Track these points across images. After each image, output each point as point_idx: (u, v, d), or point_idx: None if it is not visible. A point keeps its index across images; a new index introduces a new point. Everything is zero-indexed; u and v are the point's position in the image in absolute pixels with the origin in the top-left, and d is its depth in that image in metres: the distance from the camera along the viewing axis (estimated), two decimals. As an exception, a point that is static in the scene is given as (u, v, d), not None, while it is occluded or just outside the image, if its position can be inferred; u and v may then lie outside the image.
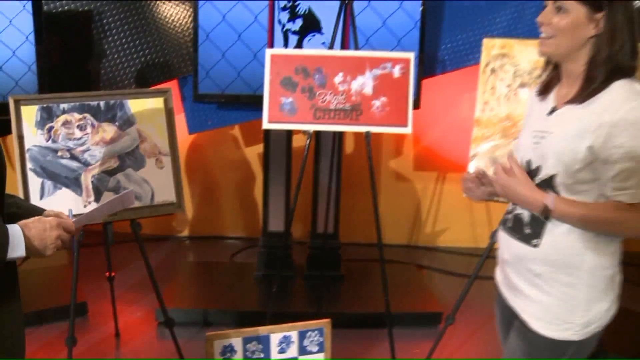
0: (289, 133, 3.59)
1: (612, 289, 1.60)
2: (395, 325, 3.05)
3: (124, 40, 3.52)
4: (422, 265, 4.12)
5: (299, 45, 3.35)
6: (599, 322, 1.59)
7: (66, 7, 3.47)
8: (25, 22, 3.12)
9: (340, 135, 3.37)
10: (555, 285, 1.59)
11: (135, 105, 2.46)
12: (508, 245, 1.67)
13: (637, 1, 2.49)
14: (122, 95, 2.46)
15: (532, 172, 1.60)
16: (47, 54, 3.22)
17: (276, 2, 3.31)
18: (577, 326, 1.58)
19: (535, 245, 1.58)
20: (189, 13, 3.54)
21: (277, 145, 3.58)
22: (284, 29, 3.36)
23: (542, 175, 1.56)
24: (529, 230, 1.59)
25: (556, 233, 1.56)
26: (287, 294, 3.46)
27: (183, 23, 3.58)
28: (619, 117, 1.43)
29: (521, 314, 1.64)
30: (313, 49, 3.26)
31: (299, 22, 3.36)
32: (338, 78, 2.48)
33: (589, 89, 1.50)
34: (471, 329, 3.14)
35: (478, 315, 3.12)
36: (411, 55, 2.50)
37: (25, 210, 1.52)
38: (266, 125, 2.53)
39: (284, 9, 3.33)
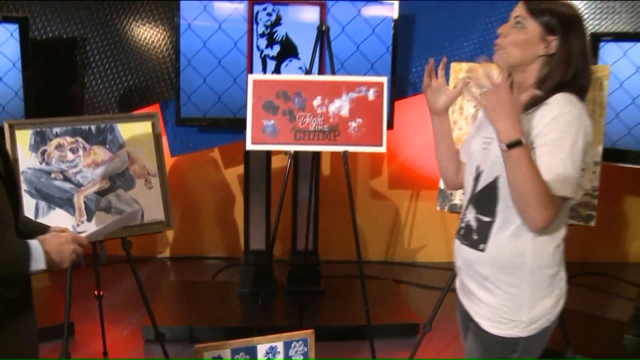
0: (269, 154, 3.76)
1: (556, 287, 1.72)
2: (376, 337, 3.22)
3: (107, 66, 3.67)
4: (400, 280, 4.30)
5: (277, 70, 3.54)
6: (545, 318, 1.70)
7: (50, 35, 3.62)
8: (12, 48, 3.26)
9: (318, 156, 3.55)
10: (501, 286, 1.71)
11: (125, 129, 2.61)
12: (460, 252, 1.80)
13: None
14: (112, 119, 2.61)
15: (479, 176, 1.74)
16: (33, 80, 3.36)
17: (255, 28, 3.51)
18: (523, 323, 1.69)
19: (482, 250, 1.71)
20: (170, 40, 3.71)
21: (257, 166, 3.75)
22: (262, 55, 3.55)
23: (488, 178, 1.70)
24: (476, 236, 1.72)
25: (500, 238, 1.69)
26: (270, 309, 3.59)
27: (164, 49, 3.75)
28: (549, 118, 1.60)
29: (474, 317, 1.77)
30: (291, 74, 3.46)
31: (276, 48, 3.55)
32: (316, 101, 2.67)
33: (533, 100, 1.64)
34: (448, 338, 3.32)
35: (454, 325, 3.29)
36: (384, 79, 2.71)
37: (31, 227, 1.64)
38: (249, 146, 2.70)
39: (262, 35, 3.53)
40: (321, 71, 3.41)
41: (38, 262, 1.44)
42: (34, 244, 1.45)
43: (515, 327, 1.69)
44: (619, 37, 3.15)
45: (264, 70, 3.53)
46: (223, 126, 3.67)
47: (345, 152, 2.69)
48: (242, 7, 3.48)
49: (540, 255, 1.67)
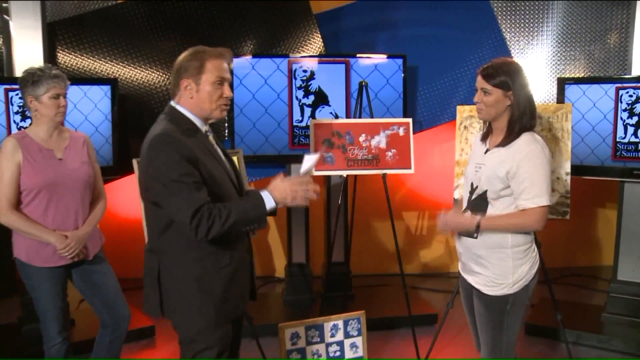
0: (306, 183, 4.77)
1: (529, 257, 2.52)
2: (404, 325, 4.22)
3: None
4: (415, 286, 5.29)
5: (312, 115, 4.58)
6: (525, 278, 2.49)
7: (135, 91, 4.62)
8: (105, 104, 4.25)
9: (345, 184, 4.58)
10: (492, 261, 2.49)
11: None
12: (460, 242, 2.61)
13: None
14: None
15: (473, 190, 2.55)
16: (120, 130, 4.34)
17: (293, 82, 4.57)
18: (510, 284, 2.48)
19: (475, 237, 2.51)
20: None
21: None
22: (300, 103, 4.59)
23: (479, 190, 2.52)
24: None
25: None
26: (314, 309, 4.55)
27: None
28: (524, 155, 2.41)
29: (475, 285, 2.57)
30: (325, 117, 4.51)
31: (311, 98, 4.59)
32: (362, 138, 3.74)
33: (508, 139, 2.47)
34: (459, 326, 4.30)
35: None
36: (410, 120, 3.80)
37: None
38: (313, 173, 3.72)
39: (299, 88, 4.58)
40: (350, 115, 4.49)
41: (269, 202, 2.18)
42: (264, 192, 2.21)
43: (504, 287, 2.50)
44: (578, 80, 4.28)
45: (302, 116, 4.58)
46: (267, 161, 4.66)
47: (384, 175, 3.75)
48: (283, 66, 4.55)
49: (517, 236, 2.49)
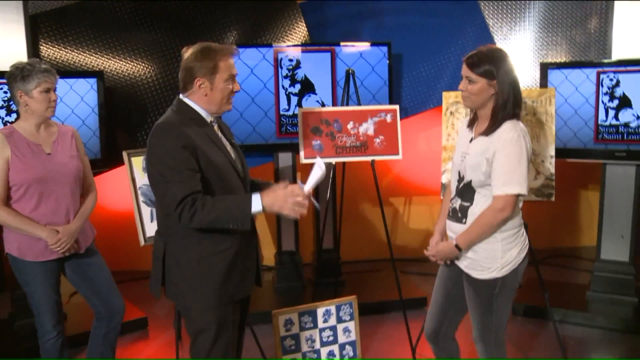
0: (294, 171, 4.78)
1: (518, 241, 2.53)
2: (395, 309, 4.25)
3: (161, 106, 4.64)
4: (405, 271, 5.31)
5: (299, 103, 4.58)
6: (513, 262, 2.51)
7: (121, 84, 4.57)
8: (92, 97, 4.21)
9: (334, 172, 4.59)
10: (481, 245, 2.50)
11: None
12: (450, 227, 2.63)
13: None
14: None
15: (461, 179, 2.57)
16: (107, 122, 4.30)
17: (280, 72, 4.55)
18: (498, 268, 2.50)
19: (464, 223, 2.54)
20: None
21: (286, 180, 4.73)
22: (287, 92, 4.58)
23: (466, 180, 2.53)
24: (459, 214, 2.56)
25: (475, 212, 2.51)
26: (305, 296, 4.58)
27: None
28: (502, 141, 2.41)
29: (465, 270, 2.58)
30: (311, 106, 4.51)
31: (297, 87, 4.58)
32: (350, 125, 3.74)
33: (491, 128, 2.46)
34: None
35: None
36: (397, 107, 3.81)
37: (260, 186, 2.51)
38: (303, 160, 3.72)
39: (285, 77, 4.57)
40: (339, 103, 4.49)
41: (257, 205, 2.24)
42: (255, 194, 2.26)
43: (492, 271, 2.51)
44: (560, 65, 4.32)
45: (289, 105, 4.57)
46: (257, 151, 4.65)
47: (372, 161, 3.76)
48: (269, 55, 4.53)
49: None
